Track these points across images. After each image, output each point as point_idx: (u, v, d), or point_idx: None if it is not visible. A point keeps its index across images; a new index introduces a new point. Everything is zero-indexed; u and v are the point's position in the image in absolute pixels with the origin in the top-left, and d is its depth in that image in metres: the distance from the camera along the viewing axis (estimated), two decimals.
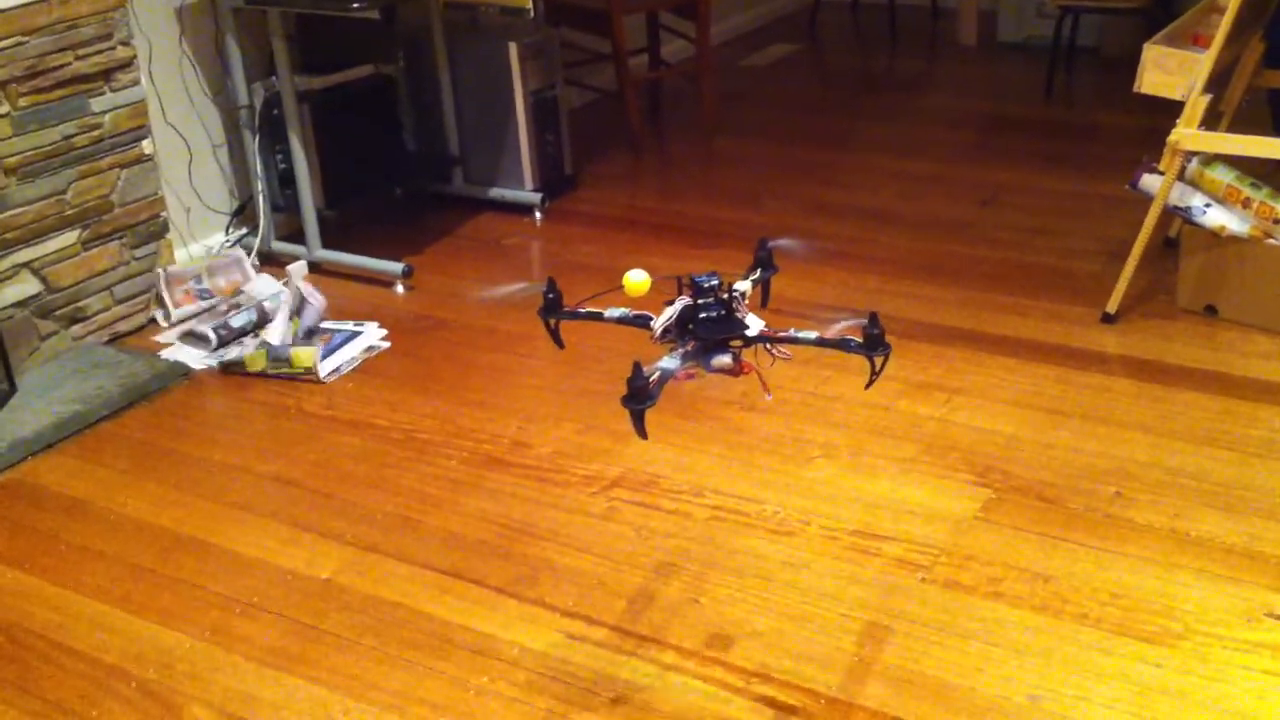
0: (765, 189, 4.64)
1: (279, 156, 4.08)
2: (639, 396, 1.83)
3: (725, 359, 1.94)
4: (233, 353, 3.45)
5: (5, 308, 3.34)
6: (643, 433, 1.86)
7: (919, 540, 2.58)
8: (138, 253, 3.66)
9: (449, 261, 4.13)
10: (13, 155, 3.31)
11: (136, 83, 3.61)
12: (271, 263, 4.06)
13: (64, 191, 3.44)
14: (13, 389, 3.27)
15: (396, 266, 3.92)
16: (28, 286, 3.40)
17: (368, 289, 3.93)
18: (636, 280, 1.98)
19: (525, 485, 2.86)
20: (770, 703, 2.18)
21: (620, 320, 2.06)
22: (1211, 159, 3.36)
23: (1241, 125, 3.56)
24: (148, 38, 3.77)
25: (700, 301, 1.95)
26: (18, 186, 3.33)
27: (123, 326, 3.65)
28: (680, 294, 1.97)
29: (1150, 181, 3.43)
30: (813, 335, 1.95)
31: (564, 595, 2.48)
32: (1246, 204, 3.29)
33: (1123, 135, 4.92)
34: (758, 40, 6.81)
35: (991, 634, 2.31)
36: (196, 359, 3.47)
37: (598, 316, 2.08)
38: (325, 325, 3.60)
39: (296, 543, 2.70)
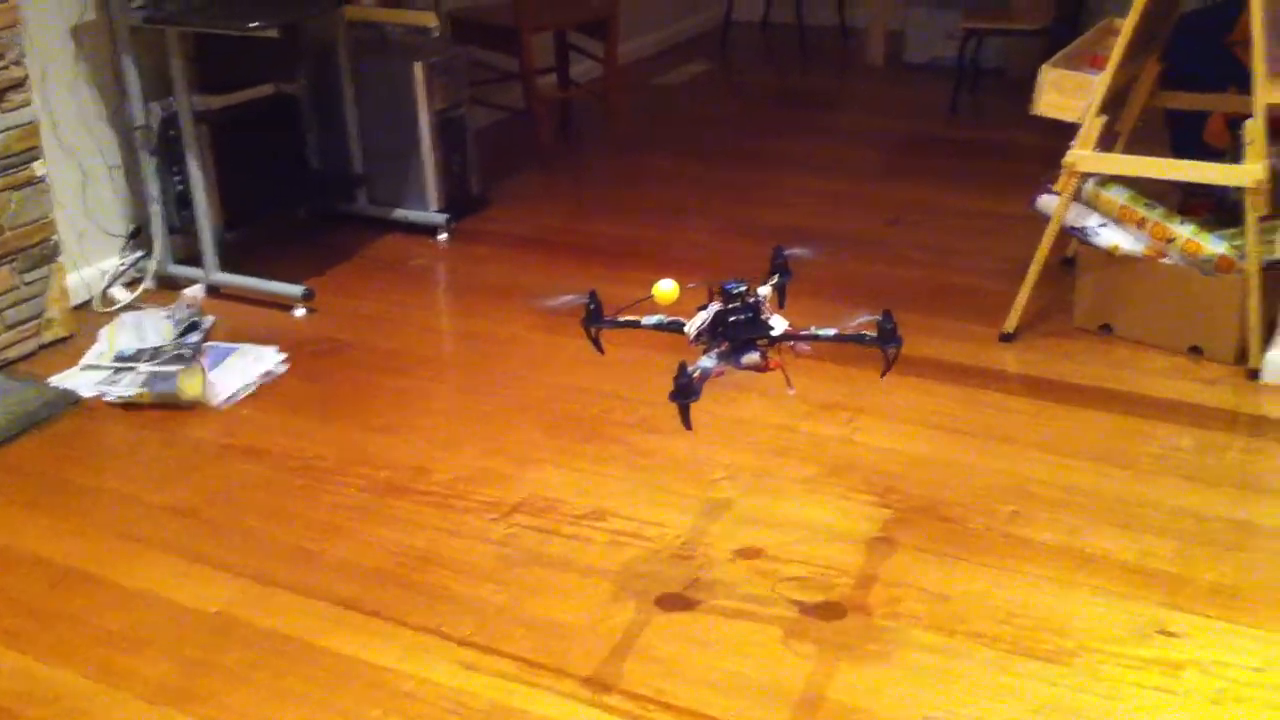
0: (675, 207, 4.64)
1: (177, 178, 4.01)
2: (685, 392, 2.09)
3: (754, 356, 2.20)
4: (123, 383, 3.37)
5: None
6: (688, 424, 2.09)
7: (820, 561, 2.58)
8: (28, 277, 3.57)
9: (352, 284, 4.08)
10: None
11: (29, 103, 3.53)
12: (169, 286, 3.99)
13: None
14: None
15: (296, 289, 3.86)
16: None
17: (267, 312, 3.86)
18: (665, 290, 2.23)
19: (425, 512, 2.82)
20: None
21: (657, 326, 2.31)
22: (1107, 179, 3.40)
23: (1139, 146, 3.62)
24: (41, 58, 3.69)
25: (730, 306, 2.19)
26: None
27: (12, 353, 3.56)
28: (711, 300, 2.21)
29: (1048, 202, 3.47)
30: (831, 332, 2.21)
31: (462, 625, 2.45)
32: (1141, 224, 3.34)
33: (1026, 155, 4.98)
34: (669, 59, 6.83)
35: (889, 654, 2.31)
36: (88, 385, 3.39)
37: (635, 324, 2.33)
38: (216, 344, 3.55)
39: (188, 575, 2.64)
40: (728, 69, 6.74)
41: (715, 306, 2.21)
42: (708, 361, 2.18)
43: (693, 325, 2.24)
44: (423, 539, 2.72)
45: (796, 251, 2.47)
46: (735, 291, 2.20)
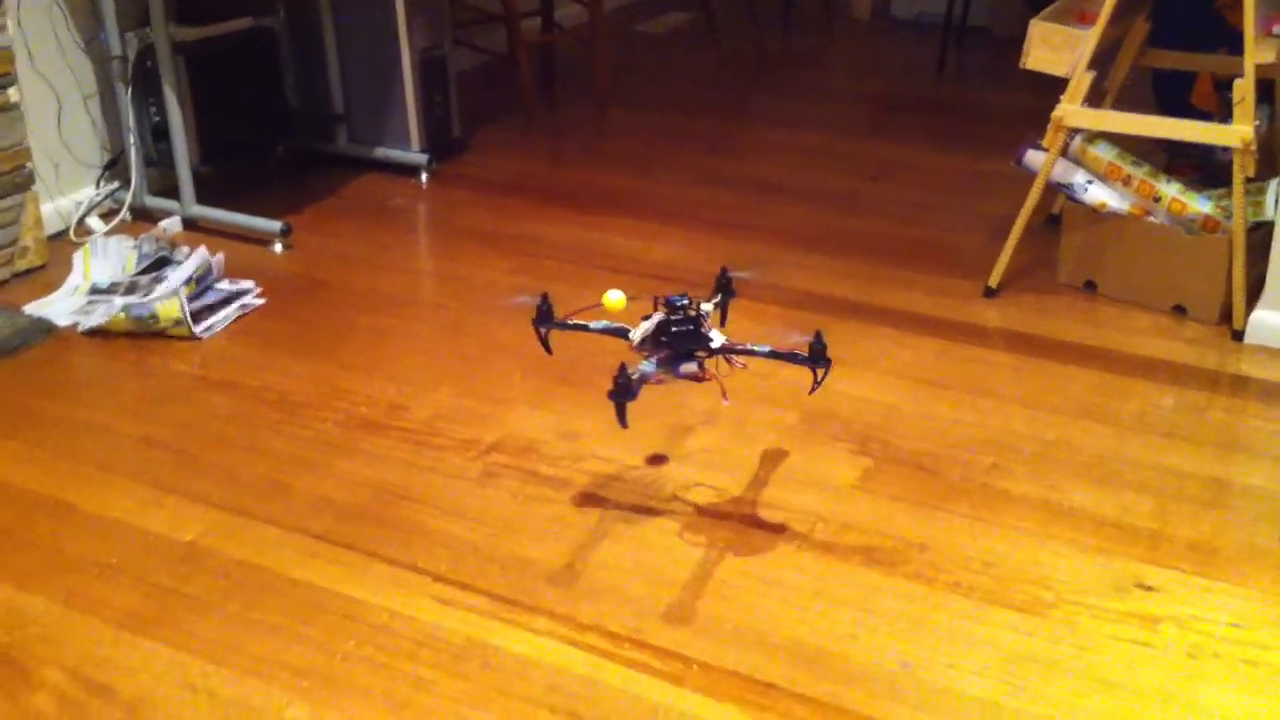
0: (656, 158, 4.61)
1: (153, 109, 3.95)
2: (623, 392, 2.23)
3: (692, 366, 2.34)
4: (97, 313, 3.32)
5: None
6: (624, 422, 2.25)
7: (797, 508, 2.57)
8: (1, 204, 3.51)
9: (330, 222, 4.03)
10: None
11: (2, 29, 3.46)
12: (144, 218, 3.94)
13: None
14: None
15: (274, 225, 3.81)
16: None
17: (244, 247, 3.82)
18: (614, 300, 2.37)
19: (401, 449, 2.80)
20: (643, 668, 2.15)
21: (604, 331, 2.45)
22: (1094, 136, 3.39)
23: (1125, 108, 3.60)
24: None
25: (673, 317, 2.30)
26: None
27: None
28: (656, 310, 2.33)
29: (1034, 158, 3.46)
30: (766, 348, 2.36)
31: (437, 560, 2.43)
32: (1127, 181, 3.33)
33: (1010, 114, 4.96)
34: (654, 7, 6.76)
35: (866, 601, 2.30)
36: (62, 314, 3.34)
37: (584, 327, 2.49)
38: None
39: (160, 505, 2.61)
40: (711, 19, 6.67)
41: (659, 316, 2.32)
42: (647, 366, 2.31)
43: (637, 332, 2.35)
44: (398, 475, 2.70)
45: (741, 274, 2.61)
46: (679, 304, 2.30)
